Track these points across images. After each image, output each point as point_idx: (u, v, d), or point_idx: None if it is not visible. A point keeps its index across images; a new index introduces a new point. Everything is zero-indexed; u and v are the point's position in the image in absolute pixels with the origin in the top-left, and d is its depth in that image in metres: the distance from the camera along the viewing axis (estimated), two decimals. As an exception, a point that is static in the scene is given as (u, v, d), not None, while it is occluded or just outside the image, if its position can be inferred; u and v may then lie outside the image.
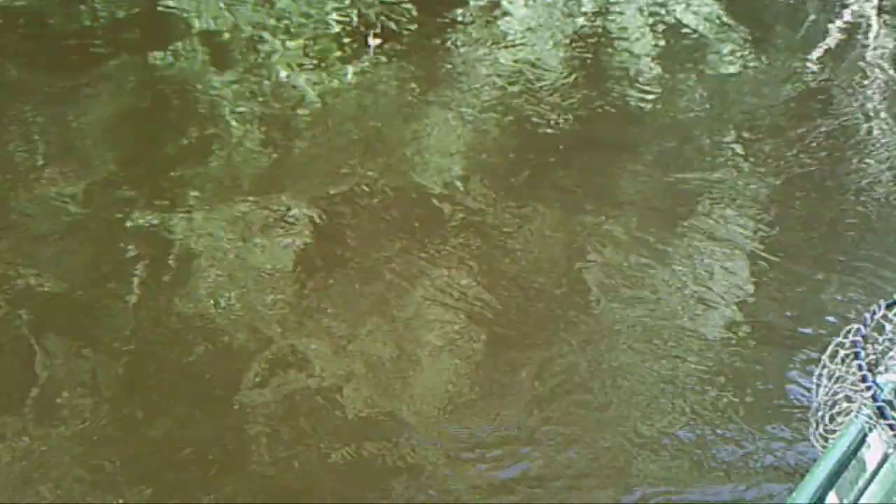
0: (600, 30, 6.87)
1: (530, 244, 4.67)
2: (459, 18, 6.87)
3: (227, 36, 6.48)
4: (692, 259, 4.61)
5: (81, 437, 3.56)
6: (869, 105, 6.11)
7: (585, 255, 4.61)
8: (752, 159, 5.41)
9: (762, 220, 4.90)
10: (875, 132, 5.76)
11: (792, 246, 4.75)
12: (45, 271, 4.30)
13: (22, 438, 3.53)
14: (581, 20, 7.00)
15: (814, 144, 5.61)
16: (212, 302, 4.21)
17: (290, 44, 6.45)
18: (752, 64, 6.53)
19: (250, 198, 4.82)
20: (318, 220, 4.69)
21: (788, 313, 4.38)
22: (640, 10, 7.25)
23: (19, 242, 4.50)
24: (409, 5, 6.95)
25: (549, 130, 5.61)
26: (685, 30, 6.95)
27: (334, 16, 6.82)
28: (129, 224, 4.61)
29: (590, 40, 6.71)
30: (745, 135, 5.65)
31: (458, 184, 5.03)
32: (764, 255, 4.66)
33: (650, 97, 6.04)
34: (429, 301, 4.26)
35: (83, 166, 5.04)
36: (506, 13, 7.07)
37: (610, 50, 6.60)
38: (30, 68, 5.96)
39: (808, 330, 4.29)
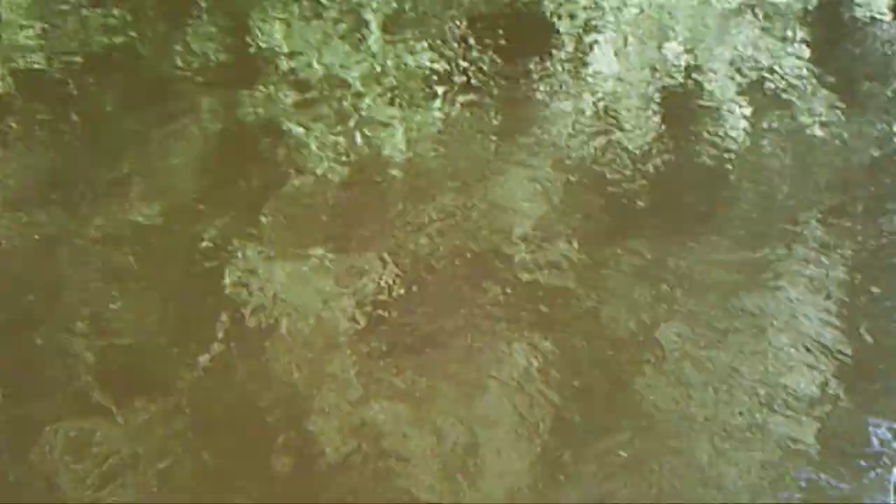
0: (687, 86, 6.80)
1: (601, 312, 4.64)
2: (544, 70, 6.85)
3: (315, 78, 6.53)
4: (767, 346, 4.51)
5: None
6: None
7: (656, 328, 4.56)
8: (837, 236, 5.28)
9: (845, 306, 4.75)
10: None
11: (880, 338, 4.59)
12: (117, 305, 4.38)
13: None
14: (668, 77, 6.95)
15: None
16: (282, 361, 4.26)
17: (376, 88, 6.50)
18: (841, 125, 6.39)
19: (326, 246, 4.86)
20: (391, 275, 4.71)
21: (871, 421, 4.24)
22: (731, 64, 7.19)
23: (98, 269, 4.59)
24: (493, 54, 6.97)
25: (627, 190, 5.57)
26: (774, 87, 6.85)
27: (425, 62, 6.86)
28: (206, 264, 4.69)
29: (676, 97, 6.65)
30: (831, 205, 5.53)
31: (533, 245, 5.02)
32: (844, 350, 4.51)
33: (733, 159, 5.97)
34: (497, 373, 4.26)
35: (168, 201, 5.13)
36: (592, 65, 7.05)
37: (696, 108, 6.53)
38: (123, 104, 6.10)
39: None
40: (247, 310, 4.51)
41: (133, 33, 7.06)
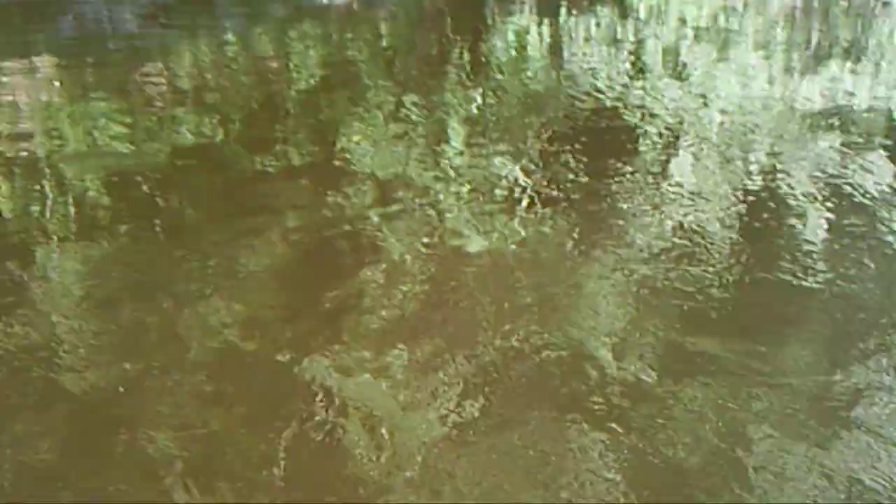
0: (768, 194, 6.79)
1: (684, 427, 4.57)
2: (625, 180, 6.91)
3: (397, 184, 6.64)
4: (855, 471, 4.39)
5: None
6: None
7: (744, 442, 4.47)
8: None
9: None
10: None
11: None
12: (196, 402, 4.42)
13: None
14: (749, 182, 6.96)
15: None
16: (359, 465, 4.25)
17: (457, 196, 6.58)
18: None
19: (405, 348, 4.86)
20: (470, 378, 4.70)
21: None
22: (812, 172, 7.18)
23: (178, 367, 4.66)
24: (574, 164, 7.04)
25: (708, 298, 5.53)
26: (855, 196, 6.81)
27: (506, 170, 6.96)
28: (280, 359, 4.72)
29: (757, 205, 6.63)
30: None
31: (611, 355, 4.98)
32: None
33: (816, 270, 5.90)
34: (578, 481, 4.20)
35: (248, 304, 5.19)
36: (673, 175, 7.09)
37: (776, 216, 6.50)
38: (206, 205, 6.25)
39: None
40: (325, 415, 4.52)
41: (220, 136, 7.28)
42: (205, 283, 5.32)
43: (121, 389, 4.45)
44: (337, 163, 6.95)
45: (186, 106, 7.87)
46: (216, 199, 6.31)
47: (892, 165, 7.37)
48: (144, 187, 6.43)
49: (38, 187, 6.30)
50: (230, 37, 10.30)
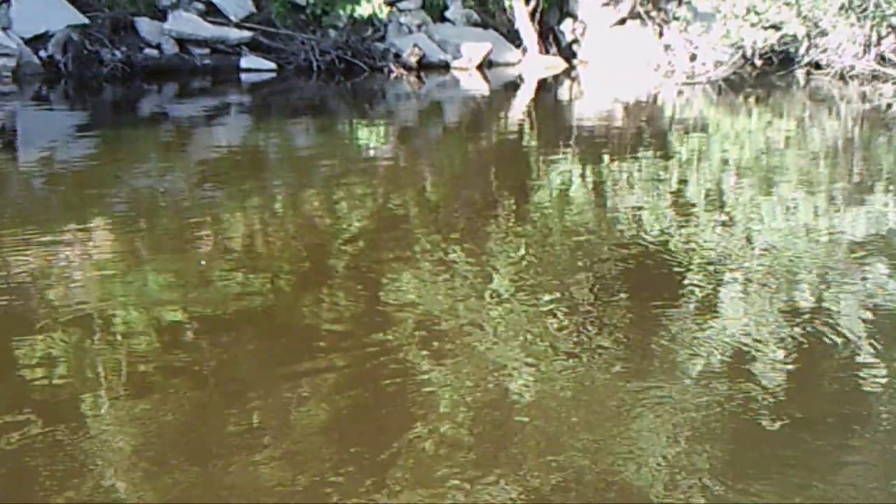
0: (816, 326, 6.77)
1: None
2: (671, 317, 6.93)
3: (442, 328, 6.70)
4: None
5: None
6: None
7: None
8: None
9: None
10: None
11: None
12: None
13: None
14: (797, 317, 6.95)
15: None
16: None
17: (504, 335, 6.63)
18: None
19: (455, 494, 4.85)
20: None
21: None
22: (861, 304, 7.17)
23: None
24: (619, 300, 7.10)
25: (761, 431, 5.48)
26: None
27: (552, 308, 7.02)
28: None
29: (805, 340, 6.60)
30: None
31: (661, 491, 4.93)
32: None
33: (868, 401, 5.85)
34: None
35: (298, 459, 5.20)
36: (720, 312, 7.10)
37: (827, 350, 6.47)
38: (255, 359, 6.33)
39: None
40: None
41: (268, 291, 7.42)
42: (255, 440, 5.36)
43: None
44: (383, 310, 7.03)
45: (235, 264, 8.04)
46: (265, 356, 6.38)
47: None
48: (193, 343, 6.54)
49: (88, 345, 6.42)
50: (279, 197, 10.55)
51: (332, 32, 21.38)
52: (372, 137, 14.57)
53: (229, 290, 7.40)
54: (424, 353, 6.32)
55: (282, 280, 7.74)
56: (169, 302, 7.20)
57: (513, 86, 21.14)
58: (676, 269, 8.01)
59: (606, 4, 23.52)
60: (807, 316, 6.97)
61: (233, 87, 19.27)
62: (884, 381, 6.07)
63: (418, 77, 20.98)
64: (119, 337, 6.58)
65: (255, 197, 10.51)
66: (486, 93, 20.33)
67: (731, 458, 5.17)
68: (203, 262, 8.04)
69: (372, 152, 13.54)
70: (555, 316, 6.95)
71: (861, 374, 6.14)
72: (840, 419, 5.60)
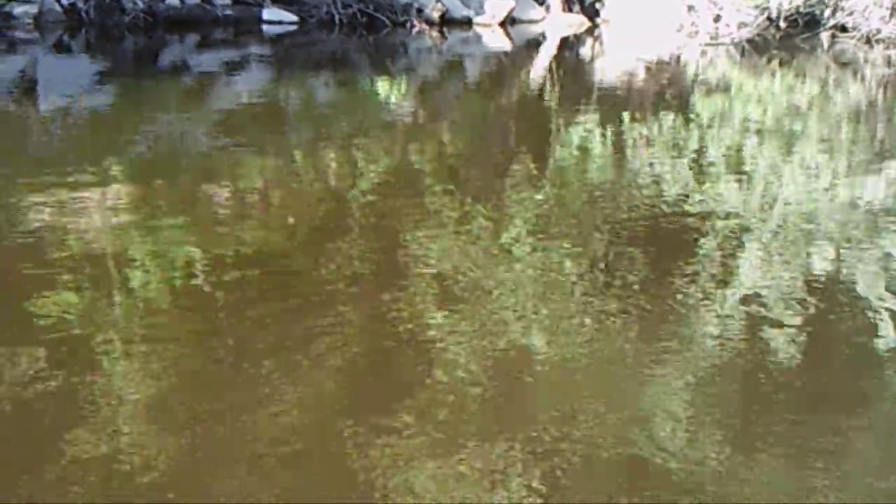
0: (834, 293, 6.76)
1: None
2: (688, 279, 6.92)
3: (460, 284, 6.69)
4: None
5: None
6: None
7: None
8: None
9: None
10: None
11: None
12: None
13: None
14: (814, 281, 6.94)
15: None
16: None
17: (522, 291, 6.63)
18: None
19: (469, 447, 4.86)
20: (533, 475, 4.68)
21: None
22: (877, 266, 7.15)
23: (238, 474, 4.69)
24: (637, 262, 7.09)
25: (771, 399, 5.48)
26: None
27: (569, 268, 7.02)
28: (352, 458, 4.73)
29: (822, 304, 6.60)
30: None
31: (675, 447, 4.93)
32: None
33: (883, 359, 5.85)
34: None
35: (309, 410, 5.23)
36: (738, 274, 7.09)
37: (842, 316, 6.46)
38: (272, 316, 6.33)
39: None
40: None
41: (285, 247, 7.43)
42: (267, 390, 5.38)
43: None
44: (401, 267, 7.03)
45: (253, 219, 8.05)
46: (281, 308, 6.39)
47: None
48: (208, 298, 6.56)
49: (105, 296, 6.45)
50: (297, 153, 10.53)
51: (354, -14, 21.27)
52: (392, 93, 14.52)
53: (245, 242, 7.42)
54: (438, 309, 6.33)
55: (298, 233, 7.76)
56: (184, 251, 7.21)
57: (535, 43, 21.01)
58: (694, 231, 7.98)
59: (631, -37, 23.32)
60: (824, 282, 6.96)
61: (254, 39, 19.22)
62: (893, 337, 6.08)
63: (441, 32, 20.86)
64: (133, 284, 6.60)
65: (274, 150, 10.50)
66: (508, 50, 20.22)
67: (738, 428, 5.16)
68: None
69: (392, 107, 13.49)
70: (571, 275, 6.95)
71: (875, 346, 6.12)
72: (850, 395, 5.58)
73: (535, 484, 4.59)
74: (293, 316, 6.22)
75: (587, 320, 6.26)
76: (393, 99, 14.09)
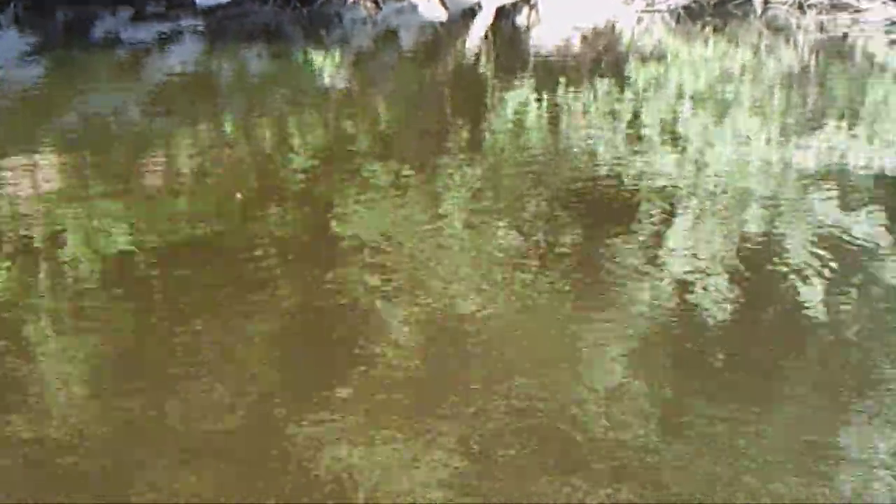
0: (766, 256, 6.85)
1: (668, 476, 4.56)
2: (624, 246, 6.98)
3: (394, 254, 6.70)
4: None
5: None
6: None
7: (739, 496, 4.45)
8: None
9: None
10: None
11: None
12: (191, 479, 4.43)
13: None
14: (747, 245, 7.04)
15: None
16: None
17: (457, 261, 6.64)
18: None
19: (403, 420, 4.87)
20: (469, 442, 4.69)
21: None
22: (808, 231, 7.25)
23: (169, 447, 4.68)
24: (574, 231, 7.13)
25: (703, 361, 5.55)
26: (854, 257, 6.87)
27: (506, 240, 7.02)
28: (282, 442, 4.72)
29: (755, 268, 6.70)
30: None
31: (607, 415, 4.98)
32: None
33: (810, 324, 5.95)
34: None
35: (243, 383, 5.20)
36: (671, 239, 7.16)
37: (774, 279, 6.54)
38: (202, 288, 6.30)
39: None
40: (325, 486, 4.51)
41: (217, 219, 7.36)
42: (200, 365, 5.35)
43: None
44: (334, 238, 7.01)
45: (185, 192, 7.98)
46: (212, 281, 6.35)
47: (888, 225, 7.41)
48: (140, 271, 6.50)
49: (31, 269, 6.37)
50: (231, 125, 10.43)
51: (288, -44, 21.01)
52: (327, 64, 14.41)
53: (178, 217, 7.35)
54: (375, 280, 6.33)
55: (232, 207, 7.69)
56: (116, 228, 7.14)
57: (471, 13, 20.92)
58: (629, 198, 8.04)
59: (566, -70, 23.25)
60: (756, 247, 7.04)
61: (187, 12, 18.92)
62: (825, 306, 6.16)
63: (375, 3, 20.69)
64: (62, 257, 6.53)
65: (208, 123, 10.41)
66: (444, 20, 20.12)
67: (669, 392, 5.23)
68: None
69: (327, 79, 13.40)
70: (507, 244, 6.97)
71: (804, 310, 6.20)
72: (779, 360, 5.66)
73: (470, 453, 4.62)
74: (226, 288, 6.19)
75: (523, 289, 6.29)
76: (328, 70, 13.99)
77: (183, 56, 14.99)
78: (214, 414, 4.88)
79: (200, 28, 17.99)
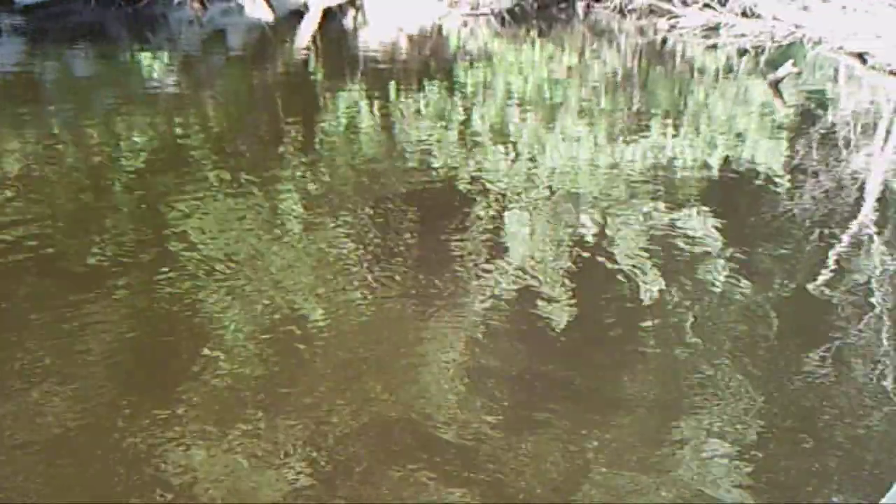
0: (596, 254, 7.02)
1: (526, 471, 4.63)
2: (460, 246, 7.05)
3: (233, 260, 6.60)
4: None
5: None
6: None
7: (586, 482, 4.54)
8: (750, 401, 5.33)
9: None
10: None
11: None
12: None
13: None
14: (579, 243, 7.18)
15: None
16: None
17: (296, 266, 6.59)
18: (744, 287, 6.59)
19: (247, 421, 4.81)
20: (313, 444, 4.67)
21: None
22: (639, 229, 7.44)
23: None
24: (410, 233, 7.16)
25: (542, 357, 5.64)
26: (682, 253, 7.08)
27: (342, 242, 7.00)
28: (128, 451, 4.61)
29: (586, 264, 6.85)
30: (740, 376, 5.55)
31: (450, 412, 5.02)
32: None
33: (645, 322, 6.10)
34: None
35: (80, 391, 5.05)
36: (506, 238, 7.26)
37: (605, 276, 6.70)
38: (35, 293, 6.09)
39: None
40: (172, 490, 4.43)
41: (48, 223, 7.13)
42: (34, 375, 5.18)
43: None
44: (170, 244, 6.85)
45: (10, 195, 7.69)
46: (45, 291, 6.15)
47: (711, 222, 7.68)
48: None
49: None
50: (56, 128, 10.10)
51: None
52: (154, 65, 14.09)
53: (3, 222, 7.07)
54: (210, 286, 6.23)
55: (60, 213, 7.43)
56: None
57: (298, 14, 20.78)
58: (461, 202, 8.09)
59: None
60: (587, 248, 7.19)
61: (3, 10, 18.25)
62: (656, 302, 6.35)
63: (202, 3, 20.37)
64: None
65: (32, 127, 10.04)
66: (271, 20, 19.93)
67: (507, 390, 5.30)
68: None
69: (154, 81, 13.10)
70: (342, 248, 6.94)
71: (636, 296, 6.39)
72: (615, 355, 5.81)
73: (316, 454, 4.61)
74: (55, 300, 6.00)
75: (361, 290, 6.28)
76: (156, 72, 13.68)
77: (1, 56, 14.42)
78: (42, 422, 4.74)
79: (20, 27, 17.36)
